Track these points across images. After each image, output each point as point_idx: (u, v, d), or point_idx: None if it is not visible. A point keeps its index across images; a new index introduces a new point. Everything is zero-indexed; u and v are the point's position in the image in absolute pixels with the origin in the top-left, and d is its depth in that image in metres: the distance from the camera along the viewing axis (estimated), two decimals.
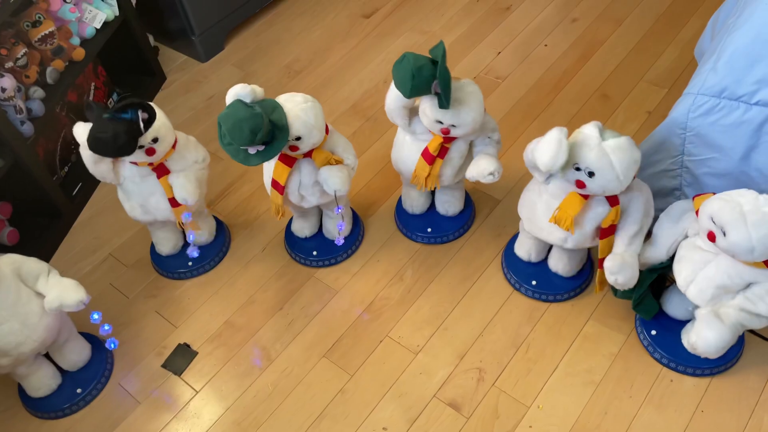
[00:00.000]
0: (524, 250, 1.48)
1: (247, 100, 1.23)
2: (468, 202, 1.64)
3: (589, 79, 1.95)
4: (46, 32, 1.65)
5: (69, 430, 1.39)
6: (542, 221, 1.31)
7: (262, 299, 1.56)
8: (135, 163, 1.39)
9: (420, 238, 1.61)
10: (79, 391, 1.41)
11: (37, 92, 1.64)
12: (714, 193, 1.13)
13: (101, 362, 1.45)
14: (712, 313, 1.15)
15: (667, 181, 1.38)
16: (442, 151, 1.39)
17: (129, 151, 1.26)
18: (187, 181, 1.41)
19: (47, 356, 1.42)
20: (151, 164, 1.39)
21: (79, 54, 1.75)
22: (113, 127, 1.21)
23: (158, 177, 1.41)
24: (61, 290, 1.25)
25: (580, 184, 1.18)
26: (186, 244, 1.64)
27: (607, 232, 1.26)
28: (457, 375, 1.37)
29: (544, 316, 1.44)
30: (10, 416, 1.42)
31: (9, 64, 1.58)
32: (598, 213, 1.24)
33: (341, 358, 1.43)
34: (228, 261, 1.64)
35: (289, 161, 1.37)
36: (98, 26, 1.82)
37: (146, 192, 1.44)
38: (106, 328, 1.33)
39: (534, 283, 1.46)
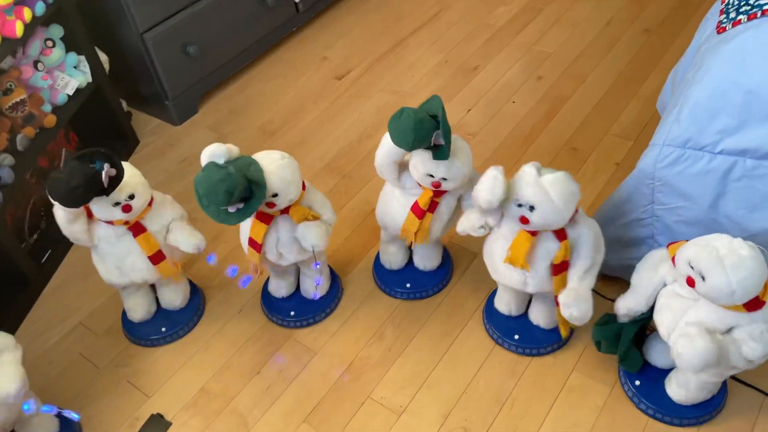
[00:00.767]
0: (504, 303, 1.47)
1: (223, 159, 1.23)
2: (446, 256, 1.64)
3: (558, 134, 2.01)
4: (18, 100, 1.65)
5: None
6: (501, 267, 1.33)
7: (238, 363, 1.51)
8: (111, 223, 1.37)
9: (399, 294, 1.59)
10: None
11: (7, 159, 1.62)
12: (687, 240, 1.15)
13: None
14: (704, 329, 1.12)
15: (640, 230, 1.40)
16: (432, 206, 1.41)
17: (82, 196, 1.22)
18: (185, 231, 1.42)
19: None
20: (126, 223, 1.37)
21: (51, 121, 1.74)
22: (72, 172, 1.19)
23: (135, 236, 1.38)
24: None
25: (524, 220, 1.22)
26: (159, 309, 1.60)
27: (560, 268, 1.28)
28: None
29: (528, 370, 1.43)
30: None
31: None
32: (549, 250, 1.27)
33: (323, 422, 1.38)
34: (202, 325, 1.60)
35: (266, 219, 1.36)
36: (70, 93, 1.82)
37: (122, 252, 1.41)
38: (26, 407, 1.23)
39: (516, 337, 1.45)
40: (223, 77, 2.34)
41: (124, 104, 2.15)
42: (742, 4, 1.33)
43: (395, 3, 2.71)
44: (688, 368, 1.10)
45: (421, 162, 1.32)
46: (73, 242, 1.40)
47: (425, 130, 1.23)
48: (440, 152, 1.27)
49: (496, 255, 1.34)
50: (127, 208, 1.33)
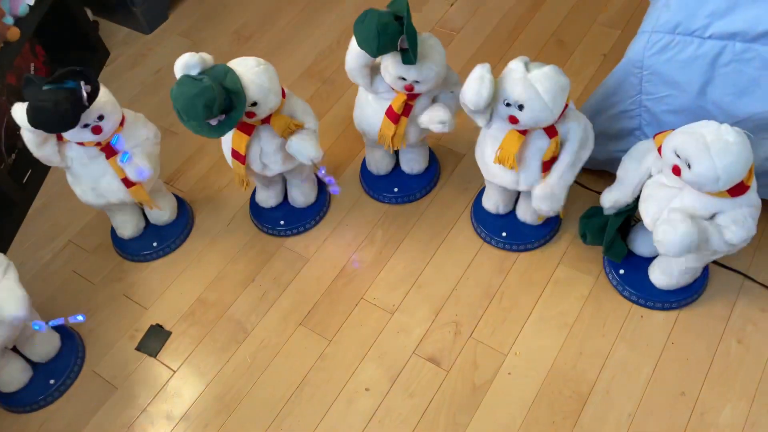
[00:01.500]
0: (491, 202, 1.48)
1: (197, 70, 1.19)
2: (432, 158, 1.63)
3: (543, 26, 1.94)
4: None
5: (46, 421, 1.36)
6: (493, 167, 1.33)
7: (232, 273, 1.53)
8: (82, 144, 1.33)
9: (387, 199, 1.60)
10: (52, 381, 1.38)
11: None
12: (673, 130, 1.15)
13: (72, 351, 1.42)
14: (686, 213, 1.13)
15: (627, 122, 1.39)
16: (407, 109, 1.37)
17: (72, 120, 1.19)
18: (143, 158, 1.36)
19: (15, 350, 1.38)
20: (98, 144, 1.33)
21: (14, 34, 1.65)
22: (54, 96, 1.15)
23: (107, 157, 1.35)
24: (4, 300, 1.18)
25: (512, 120, 1.20)
26: (148, 224, 1.59)
27: (550, 164, 1.28)
28: (435, 330, 1.38)
29: (515, 265, 1.46)
30: None
31: None
32: (540, 147, 1.26)
33: (318, 324, 1.43)
34: (193, 238, 1.61)
35: (247, 129, 1.33)
36: (31, 2, 1.72)
37: (97, 173, 1.38)
38: (37, 327, 1.26)
39: (504, 234, 1.47)
40: None
41: (89, 13, 2.04)
42: None
43: None
44: (669, 253, 1.12)
45: (392, 65, 1.28)
46: (46, 164, 1.37)
47: (390, 34, 1.17)
48: (407, 56, 1.22)
49: (486, 155, 1.33)
50: (96, 130, 1.29)
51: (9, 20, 1.66)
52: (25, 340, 1.35)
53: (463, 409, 1.28)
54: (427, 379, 1.32)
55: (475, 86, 1.16)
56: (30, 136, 1.29)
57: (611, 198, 1.29)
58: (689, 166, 1.08)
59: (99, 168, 1.37)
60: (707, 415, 1.23)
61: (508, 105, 1.19)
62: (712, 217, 1.15)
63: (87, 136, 1.29)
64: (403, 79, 1.28)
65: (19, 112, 1.25)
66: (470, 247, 1.50)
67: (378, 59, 1.33)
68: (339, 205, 1.62)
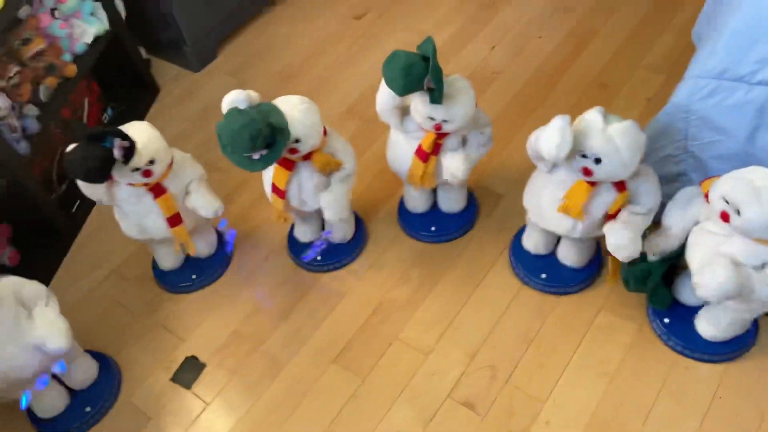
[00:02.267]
0: (532, 242, 1.46)
1: (243, 106, 1.22)
2: (471, 198, 1.62)
3: (586, 69, 1.94)
4: (38, 49, 1.64)
5: None
6: (548, 212, 1.30)
7: (268, 307, 1.54)
8: (132, 185, 1.38)
9: (424, 238, 1.59)
10: (88, 409, 1.39)
11: (31, 110, 1.62)
12: (721, 176, 1.12)
13: (109, 379, 1.44)
14: (729, 260, 1.09)
15: (672, 167, 1.36)
16: (436, 148, 1.38)
17: (99, 177, 1.25)
18: (205, 194, 1.42)
19: (54, 376, 1.40)
20: (146, 184, 1.37)
21: (71, 70, 1.74)
22: (85, 151, 1.20)
23: (155, 197, 1.39)
24: (47, 331, 1.21)
25: (587, 172, 1.17)
26: (188, 257, 1.62)
27: (614, 216, 1.25)
28: (470, 374, 1.35)
29: (555, 309, 1.43)
30: None
31: (1, 84, 1.57)
32: (606, 200, 1.23)
33: (351, 362, 1.41)
34: (231, 272, 1.63)
35: (288, 165, 1.36)
36: (89, 41, 1.81)
37: (143, 212, 1.42)
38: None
39: (543, 276, 1.44)
40: (241, 21, 2.30)
41: (143, 52, 2.12)
42: None
43: None
44: (705, 296, 1.08)
45: (421, 104, 1.29)
46: (96, 202, 1.42)
47: (415, 74, 1.18)
48: (433, 96, 1.23)
49: (543, 200, 1.30)
50: (147, 173, 1.33)
51: (67, 57, 1.74)
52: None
53: None
54: (461, 424, 1.29)
55: (557, 139, 1.11)
56: None
57: (656, 245, 1.26)
58: (738, 213, 1.05)
59: (146, 207, 1.41)
60: None
61: (584, 156, 1.15)
62: (764, 266, 1.11)
63: (137, 178, 1.33)
64: (432, 119, 1.30)
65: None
66: (508, 289, 1.48)
67: (408, 100, 1.34)
68: (376, 243, 1.62)
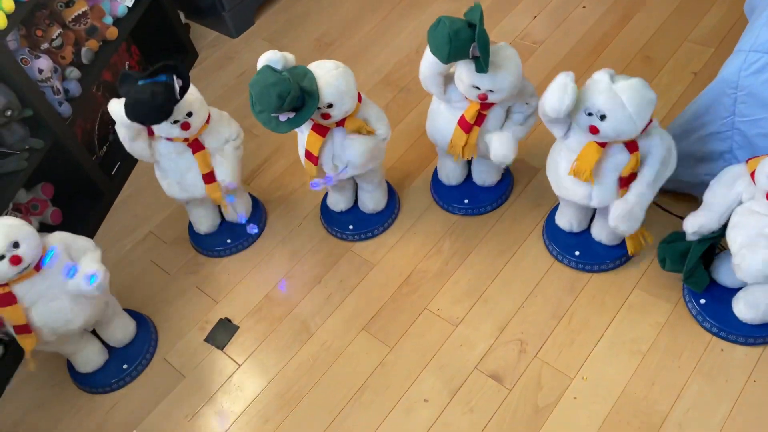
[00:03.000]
0: (566, 219, 1.44)
1: (278, 67, 1.22)
2: (506, 171, 1.60)
3: (630, 41, 1.88)
4: (80, 12, 1.66)
5: (117, 404, 1.42)
6: (566, 180, 1.29)
7: (300, 273, 1.56)
8: (170, 139, 1.40)
9: (457, 210, 1.58)
10: (125, 366, 1.44)
11: (73, 72, 1.65)
12: None
13: (146, 338, 1.48)
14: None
15: (717, 144, 1.32)
16: (479, 119, 1.36)
17: (167, 112, 1.25)
18: (229, 163, 1.43)
19: (94, 333, 1.45)
20: (186, 140, 1.39)
21: (113, 33, 1.76)
22: (150, 89, 1.21)
23: (193, 152, 1.41)
24: (86, 264, 1.24)
25: (593, 130, 1.16)
26: (223, 221, 1.65)
27: (628, 180, 1.23)
28: (499, 347, 1.36)
29: (587, 286, 1.41)
30: (60, 390, 1.47)
31: (45, 46, 1.60)
32: (618, 161, 1.21)
33: (381, 330, 1.43)
34: (265, 237, 1.65)
35: (321, 131, 1.35)
36: (130, 4, 1.82)
37: (183, 168, 1.44)
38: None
39: (577, 253, 1.43)
40: None
41: (182, 16, 2.13)
42: None
43: None
44: (744, 277, 1.06)
45: (465, 73, 1.26)
46: (137, 158, 1.44)
47: (461, 40, 1.16)
48: (479, 64, 1.20)
49: (560, 168, 1.30)
50: (185, 126, 1.34)
51: (108, 20, 1.76)
52: (104, 324, 1.42)
53: (523, 430, 1.24)
54: (488, 396, 1.30)
55: (558, 93, 1.13)
56: (124, 131, 1.36)
57: (696, 223, 1.22)
58: None
59: (185, 163, 1.43)
60: None
61: (589, 114, 1.15)
62: None
63: (176, 132, 1.35)
64: (477, 88, 1.27)
65: (116, 107, 1.32)
66: (540, 264, 1.46)
67: (452, 68, 1.32)
68: (408, 213, 1.62)
